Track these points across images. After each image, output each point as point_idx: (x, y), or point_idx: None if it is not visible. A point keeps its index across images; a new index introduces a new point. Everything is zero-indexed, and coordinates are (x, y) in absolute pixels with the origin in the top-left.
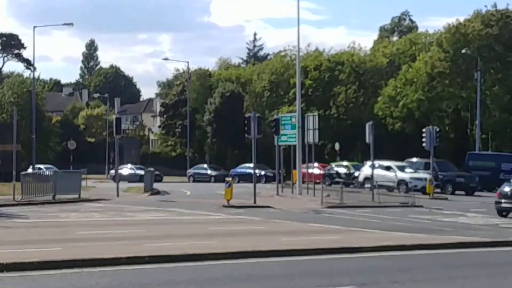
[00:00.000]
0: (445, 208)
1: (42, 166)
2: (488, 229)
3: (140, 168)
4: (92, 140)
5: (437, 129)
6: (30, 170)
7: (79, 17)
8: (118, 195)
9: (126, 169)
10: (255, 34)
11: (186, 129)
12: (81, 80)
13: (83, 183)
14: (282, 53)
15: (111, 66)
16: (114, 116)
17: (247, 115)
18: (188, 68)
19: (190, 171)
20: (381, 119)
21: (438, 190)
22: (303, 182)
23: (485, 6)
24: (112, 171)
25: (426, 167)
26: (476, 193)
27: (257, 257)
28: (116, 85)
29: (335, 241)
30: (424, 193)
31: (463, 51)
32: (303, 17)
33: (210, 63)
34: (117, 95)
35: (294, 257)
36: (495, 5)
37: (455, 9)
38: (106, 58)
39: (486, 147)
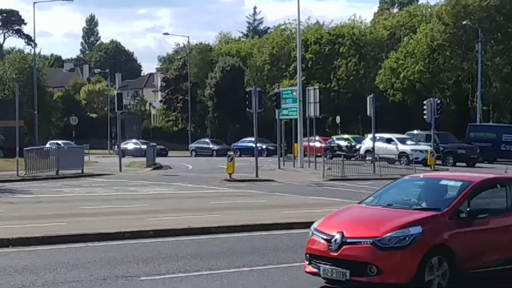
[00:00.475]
0: None
1: (60, 142)
2: None
3: (145, 143)
4: (94, 115)
5: (438, 101)
6: (48, 145)
7: None
8: (120, 170)
9: (131, 144)
10: (254, 8)
11: (187, 103)
12: (81, 56)
13: (86, 158)
14: (282, 27)
15: (112, 41)
16: (115, 92)
17: (248, 89)
18: (189, 43)
19: (192, 145)
20: (382, 92)
21: (439, 162)
22: (305, 155)
23: None
24: (121, 146)
25: (427, 139)
26: (477, 164)
27: (259, 230)
28: (117, 61)
29: None
30: (426, 165)
31: (464, 22)
32: None
33: (210, 38)
34: (118, 71)
35: (297, 230)
36: None
37: None
38: (106, 34)
39: (487, 119)
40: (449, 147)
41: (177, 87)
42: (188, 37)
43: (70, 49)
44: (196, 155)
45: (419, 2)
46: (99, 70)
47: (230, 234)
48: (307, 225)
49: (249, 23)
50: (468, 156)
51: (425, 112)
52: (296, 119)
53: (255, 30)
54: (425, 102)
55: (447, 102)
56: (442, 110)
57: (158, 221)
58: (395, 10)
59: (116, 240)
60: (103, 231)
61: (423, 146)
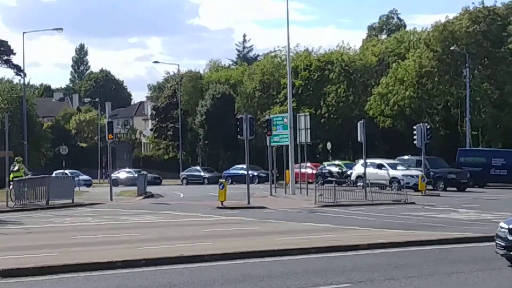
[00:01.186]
0: (437, 205)
1: (67, 171)
2: (481, 224)
3: (138, 172)
4: (84, 145)
5: (428, 126)
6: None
7: (68, 22)
8: (111, 199)
9: (123, 173)
10: (244, 36)
11: (178, 132)
12: (71, 85)
13: (76, 188)
14: (272, 54)
15: (101, 71)
16: (106, 120)
17: (239, 116)
18: (179, 71)
19: (183, 173)
20: (372, 118)
21: (430, 186)
22: (296, 182)
23: (473, 3)
24: (113, 175)
25: (418, 164)
26: (468, 189)
27: (253, 257)
28: (107, 89)
29: (330, 239)
30: (416, 190)
31: (452, 48)
32: (292, 18)
33: (200, 66)
34: (108, 99)
35: (290, 256)
36: (482, 2)
37: (442, 7)
38: (96, 63)
39: (477, 143)
40: (440, 172)
41: (167, 115)
42: (178, 65)
43: (60, 78)
44: (187, 183)
45: (407, 29)
46: (89, 99)
47: (223, 262)
48: (301, 251)
49: (238, 50)
50: (458, 180)
51: (415, 137)
52: (287, 146)
53: (245, 58)
54: (415, 127)
55: (437, 127)
56: (432, 135)
57: (150, 250)
58: (383, 36)
59: (108, 270)
60: (95, 261)
61: (414, 171)
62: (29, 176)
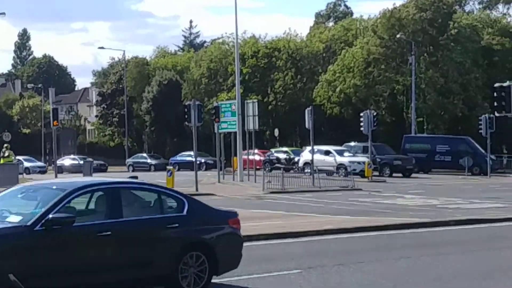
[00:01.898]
0: (383, 191)
1: (20, 158)
2: (426, 210)
3: (83, 159)
4: (28, 131)
5: (374, 113)
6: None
7: (11, 6)
8: None
9: (68, 160)
10: (191, 22)
11: (124, 118)
12: (13, 71)
13: (31, 175)
14: (220, 41)
15: (45, 56)
16: (50, 107)
17: (187, 103)
18: (124, 57)
19: (129, 160)
20: (319, 105)
21: (376, 173)
22: (244, 169)
23: None
24: (58, 162)
25: (364, 150)
26: (413, 175)
27: None
28: (50, 75)
29: (278, 226)
30: (363, 176)
31: (398, 36)
32: (240, 5)
33: (146, 52)
34: (51, 85)
35: None
36: None
37: None
38: (39, 48)
39: (422, 130)
40: (386, 158)
41: (113, 102)
42: (124, 51)
43: (2, 63)
44: (133, 170)
45: (354, 16)
46: (32, 85)
47: None
48: (250, 238)
49: (185, 37)
50: (404, 167)
51: (362, 124)
52: (235, 133)
53: (192, 44)
54: (361, 114)
55: (383, 114)
56: (378, 122)
57: None
58: (331, 24)
59: None
60: None
61: (361, 158)
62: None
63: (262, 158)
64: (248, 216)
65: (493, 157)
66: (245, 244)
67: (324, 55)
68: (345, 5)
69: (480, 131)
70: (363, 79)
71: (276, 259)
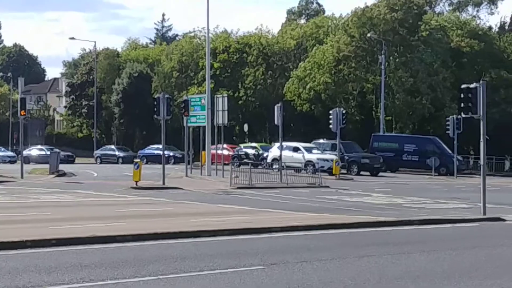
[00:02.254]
0: (350, 189)
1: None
2: (392, 208)
3: (51, 149)
4: None
5: (344, 111)
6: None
7: None
8: (22, 177)
9: (35, 150)
10: (163, 15)
11: (93, 109)
12: None
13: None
14: (191, 34)
15: (15, 45)
16: (18, 96)
17: (156, 95)
18: (95, 48)
19: (97, 152)
20: (289, 101)
21: (344, 170)
22: (212, 163)
23: None
24: (24, 152)
25: (333, 148)
26: (380, 173)
27: (166, 238)
28: (20, 65)
29: (243, 221)
30: (331, 173)
31: (369, 35)
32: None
33: (118, 43)
34: (21, 75)
35: (204, 238)
36: None
37: None
38: (12, 37)
39: (390, 129)
40: (354, 156)
41: (82, 93)
42: (95, 42)
43: None
44: (101, 162)
45: (326, 14)
46: (1, 74)
47: (136, 243)
48: (214, 233)
49: (157, 29)
50: (371, 165)
51: (331, 121)
52: (204, 127)
53: (164, 37)
54: (331, 111)
55: (352, 112)
56: (347, 120)
57: (61, 230)
58: (302, 21)
59: (17, 249)
60: (3, 240)
61: (329, 155)
62: None
63: (230, 153)
64: (214, 211)
65: (459, 158)
66: (210, 238)
67: (295, 51)
68: (317, 3)
69: (447, 131)
70: (333, 76)
71: (240, 254)
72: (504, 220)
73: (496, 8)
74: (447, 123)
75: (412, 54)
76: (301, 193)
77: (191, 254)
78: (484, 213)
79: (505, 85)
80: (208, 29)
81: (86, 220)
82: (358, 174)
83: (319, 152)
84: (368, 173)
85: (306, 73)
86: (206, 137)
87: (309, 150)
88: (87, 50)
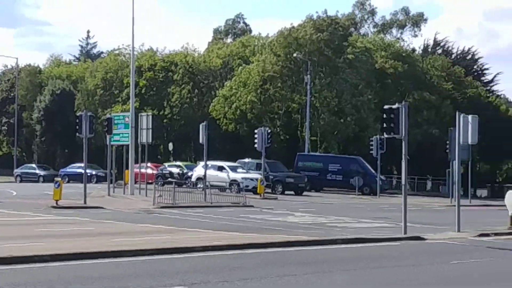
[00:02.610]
0: (275, 208)
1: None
2: (315, 228)
3: None
4: None
5: (269, 131)
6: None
7: None
8: None
9: None
10: (88, 32)
11: (13, 127)
12: None
13: None
14: (116, 52)
15: None
16: None
17: (78, 113)
18: (17, 65)
19: (17, 171)
20: (215, 120)
21: (269, 190)
22: (136, 182)
23: (316, 12)
24: None
25: (258, 167)
26: (305, 193)
27: (86, 258)
28: None
29: (166, 241)
30: (256, 193)
31: (294, 55)
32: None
33: (41, 60)
34: None
35: (125, 258)
36: (325, 11)
37: (288, 14)
38: None
39: (315, 149)
40: (279, 175)
41: (2, 110)
42: (17, 58)
43: None
44: (21, 181)
45: (253, 34)
46: None
47: (54, 263)
48: (136, 253)
49: (82, 46)
50: (296, 184)
51: (256, 141)
52: (127, 145)
53: (88, 54)
54: (256, 131)
55: (278, 132)
56: (272, 139)
57: None
58: (229, 40)
59: None
60: None
61: (254, 175)
62: None
63: (154, 172)
64: (136, 230)
65: (383, 177)
66: (131, 258)
67: (221, 70)
68: (244, 22)
69: (371, 151)
70: (259, 96)
71: (161, 274)
72: (424, 239)
73: (420, 30)
74: (371, 143)
75: (337, 74)
76: (225, 212)
77: (111, 274)
78: (405, 232)
79: (427, 107)
80: (133, 47)
81: (3, 240)
82: (282, 193)
83: (244, 171)
84: (292, 192)
85: (232, 92)
86: (130, 155)
87: (234, 169)
88: (9, 67)
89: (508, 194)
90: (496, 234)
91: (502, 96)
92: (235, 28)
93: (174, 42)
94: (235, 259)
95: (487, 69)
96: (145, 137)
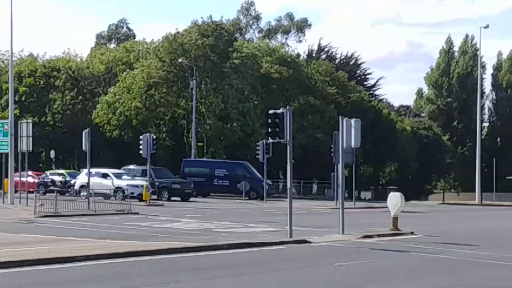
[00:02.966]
0: (161, 215)
1: None
2: (202, 233)
3: None
4: None
5: (154, 137)
6: None
7: None
8: None
9: None
10: None
11: None
12: None
13: None
14: None
15: None
16: None
17: None
18: None
19: None
20: (99, 126)
21: (155, 196)
22: (16, 191)
23: (202, 17)
24: None
25: (143, 174)
26: (192, 199)
27: None
28: None
29: (47, 251)
30: (141, 200)
31: (180, 60)
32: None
33: None
34: None
35: (4, 269)
36: (210, 17)
37: (173, 19)
38: None
39: (202, 154)
40: (165, 182)
41: None
42: None
43: None
44: None
45: (137, 39)
46: None
47: None
48: (14, 264)
49: None
50: (182, 190)
51: (141, 147)
52: (7, 154)
53: None
54: (141, 137)
55: (164, 138)
56: (158, 145)
57: None
58: (112, 45)
59: None
60: None
61: (139, 181)
62: None
63: (36, 180)
64: (15, 241)
65: (269, 182)
66: (8, 270)
67: (105, 76)
68: (128, 27)
69: (257, 156)
70: (144, 101)
71: (41, 285)
72: (309, 242)
73: (304, 36)
74: (257, 148)
75: (223, 80)
76: (110, 220)
77: None
78: (291, 236)
79: (312, 111)
80: (11, 52)
81: None
82: (169, 199)
83: (129, 178)
84: (179, 199)
85: (116, 98)
86: (9, 164)
87: (119, 176)
88: None
89: (390, 196)
90: (379, 235)
91: (384, 100)
92: (119, 33)
93: (56, 48)
94: (119, 267)
95: (370, 74)
96: (25, 145)
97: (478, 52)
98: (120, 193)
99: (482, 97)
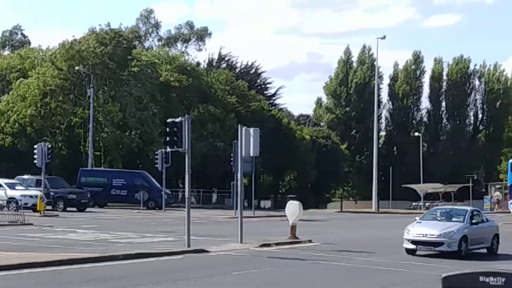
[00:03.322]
0: (55, 225)
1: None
2: (98, 244)
3: None
4: None
5: (49, 146)
6: None
7: None
8: None
9: None
10: None
11: None
12: None
13: None
14: None
15: None
16: None
17: None
18: None
19: None
20: None
21: (50, 207)
22: None
23: (100, 25)
24: None
25: (38, 184)
26: (88, 209)
27: None
28: None
29: None
30: (35, 210)
31: (77, 68)
32: None
33: None
34: None
35: None
36: (108, 24)
37: (70, 26)
38: None
39: (100, 163)
40: (60, 192)
41: None
42: None
43: None
44: None
45: (32, 46)
46: None
47: None
48: None
49: None
50: (78, 201)
51: (35, 156)
52: None
53: None
54: (36, 146)
55: (60, 147)
56: (53, 154)
57: None
58: (6, 52)
59: None
60: None
61: (33, 191)
62: None
63: None
64: None
65: (168, 191)
66: None
67: None
68: (22, 34)
69: (156, 165)
70: (40, 110)
71: None
72: (207, 251)
73: (204, 45)
74: (156, 157)
75: (122, 88)
76: (1, 232)
77: None
78: (189, 246)
79: (212, 120)
80: None
81: None
82: (64, 210)
83: (23, 188)
84: (75, 209)
85: (9, 106)
86: None
87: (12, 186)
88: None
89: (288, 205)
90: (277, 244)
91: (284, 109)
92: (13, 40)
93: None
94: (10, 280)
95: (270, 83)
96: None
97: (375, 63)
98: (14, 204)
99: (379, 106)
